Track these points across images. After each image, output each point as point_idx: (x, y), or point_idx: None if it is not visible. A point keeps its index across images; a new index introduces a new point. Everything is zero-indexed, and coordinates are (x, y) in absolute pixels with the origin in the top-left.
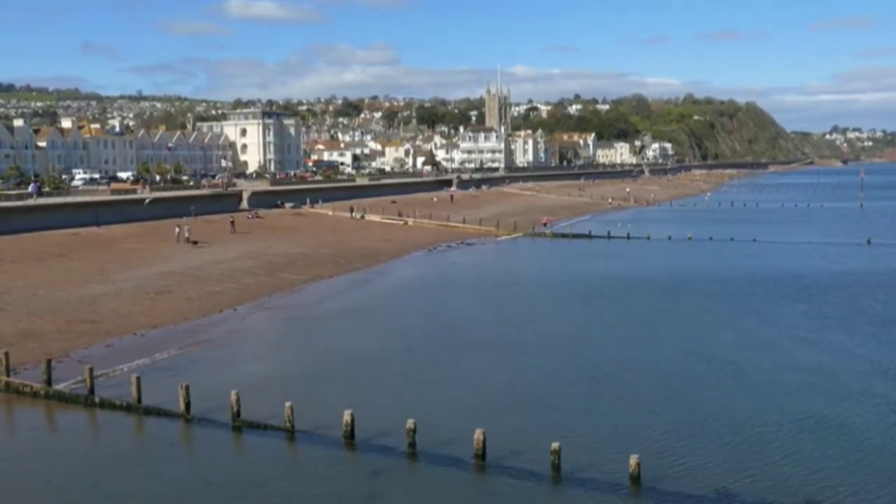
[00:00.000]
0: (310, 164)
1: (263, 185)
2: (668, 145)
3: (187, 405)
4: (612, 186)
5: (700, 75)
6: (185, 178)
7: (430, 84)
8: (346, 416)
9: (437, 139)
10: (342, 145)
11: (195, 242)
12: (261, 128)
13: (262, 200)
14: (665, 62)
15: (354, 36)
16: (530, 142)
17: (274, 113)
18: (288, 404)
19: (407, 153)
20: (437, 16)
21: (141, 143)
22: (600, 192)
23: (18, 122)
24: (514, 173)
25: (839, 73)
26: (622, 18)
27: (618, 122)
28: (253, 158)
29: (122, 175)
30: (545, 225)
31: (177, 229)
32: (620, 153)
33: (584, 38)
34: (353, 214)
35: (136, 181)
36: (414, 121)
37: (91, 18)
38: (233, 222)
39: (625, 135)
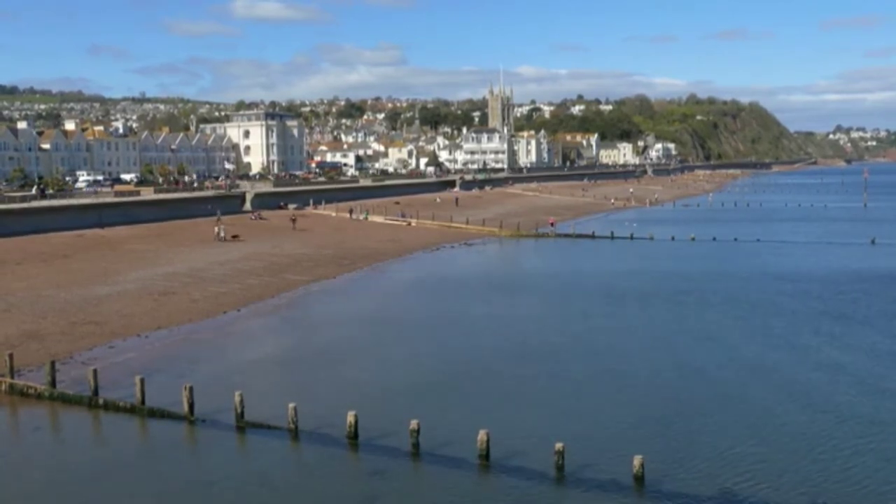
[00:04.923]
0: (313, 165)
1: (266, 187)
2: (672, 145)
3: (191, 406)
4: (615, 187)
5: (707, 75)
6: (187, 179)
7: (436, 84)
8: (350, 417)
9: (440, 140)
10: (345, 146)
11: (234, 236)
12: (264, 129)
13: (266, 202)
14: (672, 62)
15: (360, 36)
16: (533, 142)
17: (277, 114)
18: (291, 405)
19: (410, 154)
20: (444, 16)
21: (144, 145)
22: (603, 193)
23: (22, 125)
24: (517, 174)
25: (847, 72)
26: (630, 17)
27: (621, 122)
28: (256, 160)
29: (126, 177)
30: (552, 225)
31: (216, 228)
32: (623, 153)
33: (591, 38)
34: (353, 216)
35: (140, 182)
36: (417, 122)
37: (95, 19)
38: (294, 220)
39: (628, 135)
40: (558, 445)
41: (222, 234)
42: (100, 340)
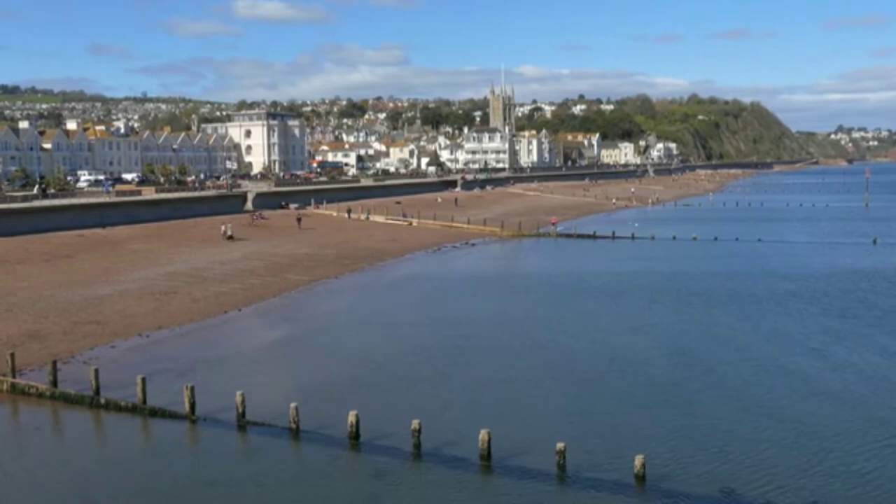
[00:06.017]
0: (314, 164)
1: (268, 187)
2: (673, 145)
3: (192, 406)
4: (616, 186)
5: (709, 74)
6: (193, 178)
7: (438, 84)
8: (351, 417)
9: (442, 140)
10: (346, 146)
11: (229, 237)
12: (265, 129)
13: (267, 202)
14: (675, 61)
15: (363, 36)
16: (535, 142)
17: (278, 114)
18: (293, 405)
19: (411, 154)
20: (447, 15)
21: (146, 145)
22: (605, 193)
23: (24, 124)
24: (519, 173)
25: (849, 71)
26: (632, 17)
27: (622, 122)
28: (257, 159)
29: (127, 176)
30: (554, 224)
31: (222, 227)
32: (625, 153)
33: (595, 37)
34: (351, 215)
35: (142, 182)
36: (418, 121)
37: (98, 20)
38: (299, 219)
39: (629, 135)
40: (559, 445)
41: (229, 233)
42: (101, 340)
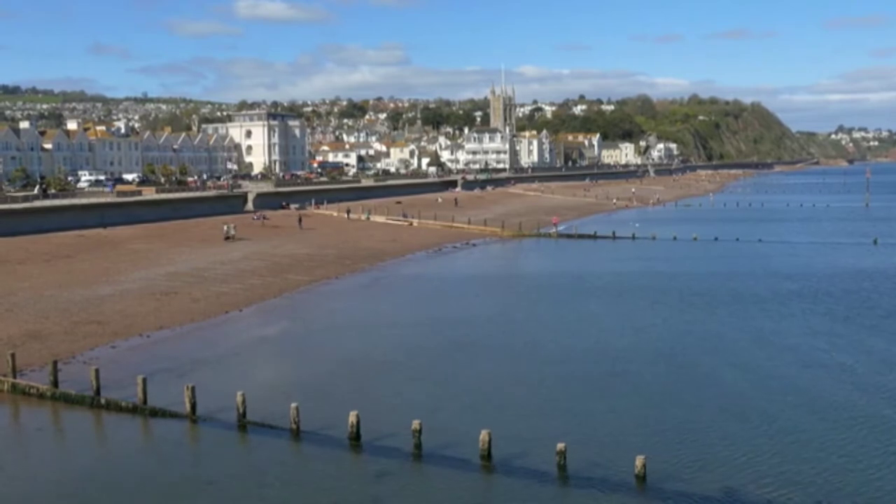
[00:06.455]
0: (314, 165)
1: (268, 187)
2: (673, 145)
3: (193, 406)
4: (616, 187)
5: (710, 75)
6: (192, 178)
7: (438, 84)
8: (352, 417)
9: (442, 140)
10: (347, 146)
11: (227, 238)
12: (266, 129)
13: (268, 202)
14: (675, 61)
15: (364, 36)
16: (535, 142)
17: (279, 114)
18: (293, 405)
19: (412, 154)
20: (447, 15)
21: (146, 145)
22: (605, 193)
23: (24, 124)
24: (519, 174)
25: (850, 71)
26: (633, 17)
27: (623, 122)
28: (258, 160)
29: (128, 177)
30: (555, 224)
31: (224, 227)
32: (625, 153)
33: (595, 37)
34: (350, 215)
35: (142, 182)
36: (419, 122)
37: (99, 20)
38: (300, 219)
39: (630, 135)
40: (560, 445)
41: (231, 233)
42: (102, 340)
